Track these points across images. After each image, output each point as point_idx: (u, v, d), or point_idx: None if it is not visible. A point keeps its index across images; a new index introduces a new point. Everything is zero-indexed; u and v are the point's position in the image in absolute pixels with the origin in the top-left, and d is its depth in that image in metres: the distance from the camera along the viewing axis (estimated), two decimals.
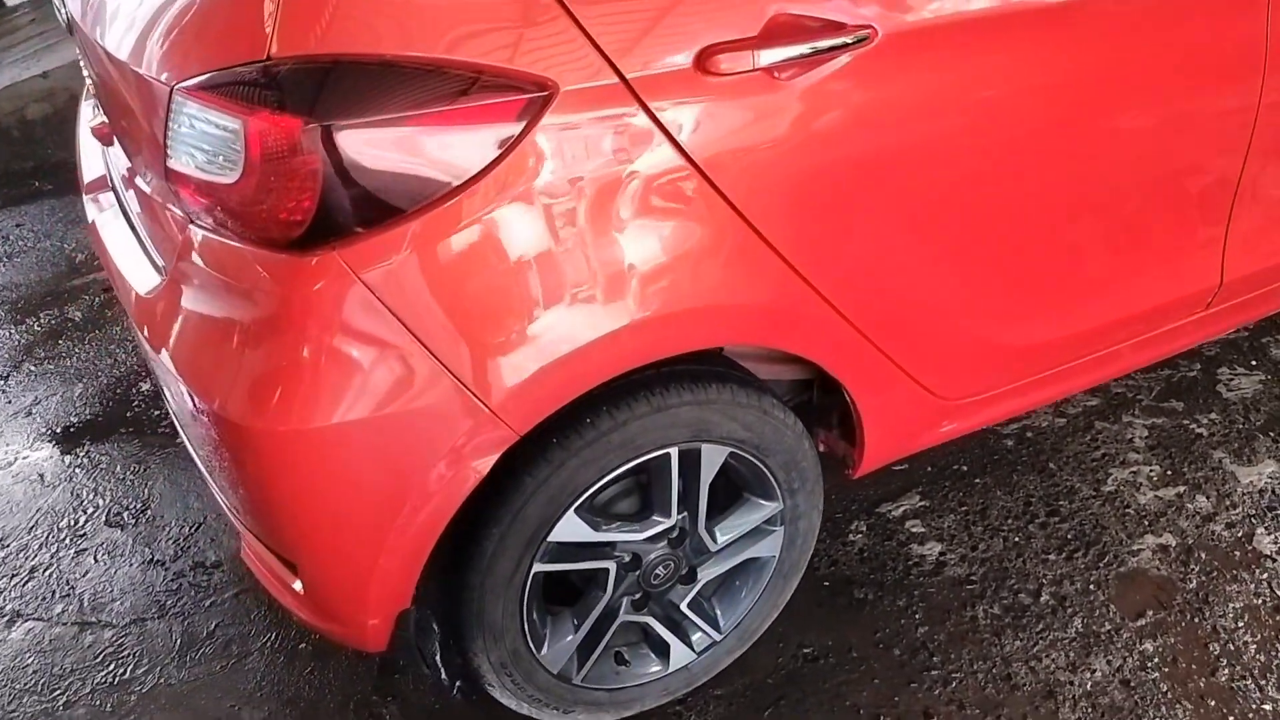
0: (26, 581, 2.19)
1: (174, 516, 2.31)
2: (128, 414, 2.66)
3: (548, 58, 1.22)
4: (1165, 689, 1.76)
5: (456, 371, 1.28)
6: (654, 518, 1.58)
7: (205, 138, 1.24)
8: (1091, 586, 1.96)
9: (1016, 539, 2.07)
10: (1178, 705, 1.73)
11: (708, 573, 1.70)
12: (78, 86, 3.96)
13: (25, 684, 1.97)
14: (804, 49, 1.32)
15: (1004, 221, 1.59)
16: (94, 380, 2.80)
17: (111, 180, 1.83)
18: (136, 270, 1.58)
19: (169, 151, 1.30)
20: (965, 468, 2.25)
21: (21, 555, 2.26)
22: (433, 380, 1.28)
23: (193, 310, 1.40)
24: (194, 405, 1.41)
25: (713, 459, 1.57)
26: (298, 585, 1.49)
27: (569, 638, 1.63)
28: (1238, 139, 1.73)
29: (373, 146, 1.19)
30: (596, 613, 1.63)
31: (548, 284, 1.29)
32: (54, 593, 2.16)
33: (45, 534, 2.31)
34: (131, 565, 2.20)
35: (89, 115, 1.97)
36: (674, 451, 1.53)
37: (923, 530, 2.11)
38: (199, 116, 1.24)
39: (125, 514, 2.33)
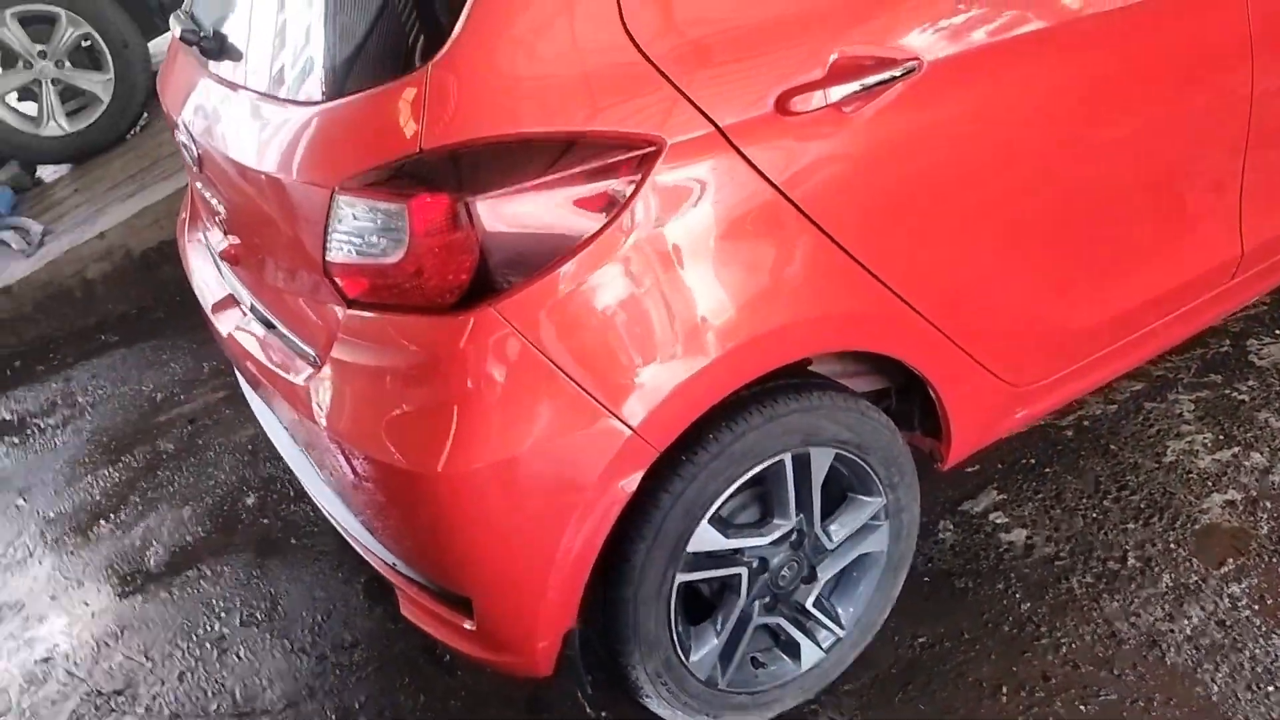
0: (178, 686, 2.33)
1: (304, 608, 2.46)
2: (238, 526, 2.82)
3: (654, 118, 1.43)
4: (1259, 624, 1.90)
5: (602, 400, 1.47)
6: (775, 521, 1.75)
7: (367, 227, 1.45)
8: (1172, 545, 2.11)
9: (1094, 515, 2.22)
10: (1273, 635, 1.87)
11: (826, 571, 1.85)
12: (134, 243, 4.23)
13: None
14: (863, 83, 1.53)
15: (1051, 215, 1.80)
16: (199, 502, 2.97)
17: (239, 295, 2.03)
18: (285, 364, 1.77)
19: (329, 246, 1.51)
20: (1033, 460, 2.41)
21: (167, 664, 2.40)
22: (582, 410, 1.47)
23: (356, 383, 1.59)
24: (359, 470, 1.59)
25: (821, 461, 1.74)
26: (469, 624, 1.64)
27: (712, 643, 1.78)
28: (1238, 120, 1.95)
29: (516, 212, 1.40)
30: (734, 618, 1.78)
31: (672, 313, 1.48)
32: (206, 692, 2.30)
33: (185, 643, 2.45)
34: (274, 657, 2.34)
35: (207, 245, 2.20)
36: (787, 458, 1.70)
37: (1006, 520, 2.26)
38: (362, 209, 1.45)
39: (257, 613, 2.48)
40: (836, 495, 1.84)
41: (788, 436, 1.68)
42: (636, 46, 1.42)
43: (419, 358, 1.50)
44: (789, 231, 1.54)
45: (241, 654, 2.38)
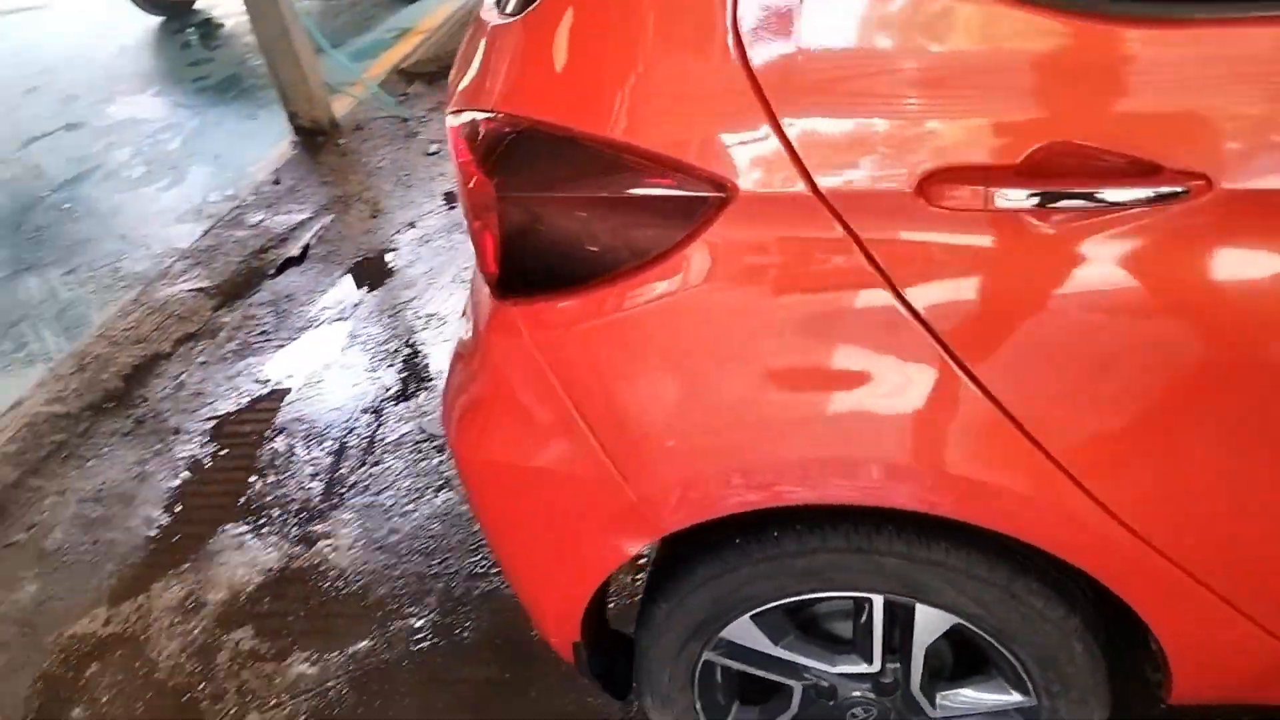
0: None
1: None
2: None
3: (734, 157, 1.06)
4: None
5: (607, 450, 1.23)
6: (851, 656, 1.39)
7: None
8: None
9: None
10: None
11: None
12: None
13: (421, 545, 2.36)
14: (1086, 198, 0.98)
15: None
16: None
17: None
18: None
19: None
20: None
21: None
22: (584, 451, 1.25)
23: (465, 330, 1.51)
24: None
25: (931, 623, 1.32)
26: None
27: None
28: None
29: (549, 218, 1.16)
30: None
31: (701, 393, 1.17)
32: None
33: None
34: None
35: None
36: (878, 599, 1.31)
37: None
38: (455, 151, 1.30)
39: None
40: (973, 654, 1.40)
41: (877, 578, 1.28)
42: (746, 65, 1.03)
43: (474, 329, 1.37)
44: (904, 352, 1.08)
45: None
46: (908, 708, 1.43)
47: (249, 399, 2.99)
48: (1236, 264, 0.98)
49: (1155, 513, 1.14)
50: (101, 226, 4.10)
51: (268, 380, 3.06)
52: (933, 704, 1.41)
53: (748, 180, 1.05)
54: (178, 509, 2.65)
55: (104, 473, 2.81)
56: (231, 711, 2.09)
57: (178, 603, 2.37)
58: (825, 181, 1.03)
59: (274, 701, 2.09)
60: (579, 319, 1.18)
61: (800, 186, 1.04)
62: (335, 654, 2.16)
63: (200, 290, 3.51)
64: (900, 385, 1.10)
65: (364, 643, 2.17)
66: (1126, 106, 0.96)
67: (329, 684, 2.10)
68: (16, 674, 2.27)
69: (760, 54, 1.02)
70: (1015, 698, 1.37)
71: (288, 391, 2.99)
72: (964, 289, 1.05)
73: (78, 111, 5.30)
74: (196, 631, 2.28)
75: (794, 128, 1.03)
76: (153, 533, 2.59)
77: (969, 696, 1.40)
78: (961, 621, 1.30)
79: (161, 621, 2.33)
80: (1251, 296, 0.98)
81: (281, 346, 3.20)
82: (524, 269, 1.20)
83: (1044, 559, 1.28)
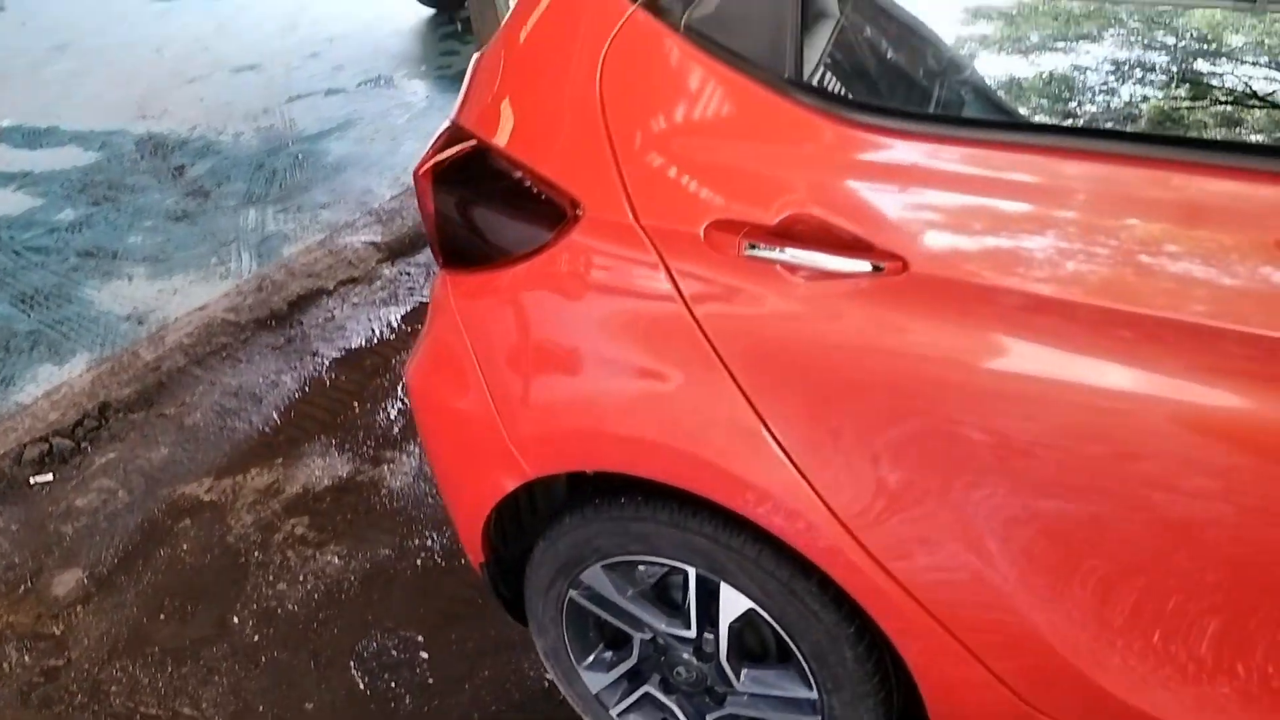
0: None
1: None
2: None
3: (588, 183, 1.37)
4: None
5: (494, 398, 1.56)
6: (678, 620, 1.65)
7: None
8: None
9: None
10: None
11: (734, 707, 1.69)
12: None
13: None
14: (814, 260, 1.23)
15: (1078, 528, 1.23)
16: None
17: None
18: None
19: None
20: None
21: None
22: (480, 399, 1.59)
23: None
24: None
25: (734, 603, 1.56)
26: None
27: (604, 673, 1.80)
28: None
29: (463, 208, 1.52)
30: (621, 669, 1.77)
31: (548, 368, 1.49)
32: None
33: None
34: None
35: None
36: (691, 571, 1.57)
37: None
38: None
39: None
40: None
41: (689, 553, 1.55)
42: (600, 103, 1.35)
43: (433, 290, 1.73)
44: (695, 362, 1.35)
45: None
46: (720, 677, 1.67)
47: (376, 340, 3.49)
48: (918, 334, 1.20)
49: (889, 543, 1.35)
50: (320, 178, 4.76)
51: (396, 327, 3.55)
52: (738, 678, 1.64)
53: (596, 204, 1.36)
54: (291, 414, 3.16)
55: (248, 375, 3.37)
56: (269, 578, 2.55)
57: (264, 487, 2.87)
58: (647, 218, 1.33)
59: (301, 578, 2.54)
60: (478, 292, 1.53)
61: (629, 218, 1.34)
62: (360, 554, 2.59)
63: (373, 244, 4.07)
64: (690, 387, 1.38)
65: (385, 550, 2.59)
66: (854, 192, 1.20)
67: (347, 576, 2.53)
68: (131, 513, 2.83)
69: (613, 107, 1.33)
70: (801, 689, 1.59)
71: (407, 338, 3.47)
72: (736, 321, 1.31)
73: (340, 79, 6.07)
74: (267, 512, 2.77)
75: (630, 174, 1.33)
76: (266, 429, 3.11)
77: (766, 678, 1.63)
78: (754, 606, 1.54)
79: (246, 498, 2.83)
80: (928, 365, 1.20)
81: (421, 302, 3.69)
82: (450, 245, 1.56)
83: None
